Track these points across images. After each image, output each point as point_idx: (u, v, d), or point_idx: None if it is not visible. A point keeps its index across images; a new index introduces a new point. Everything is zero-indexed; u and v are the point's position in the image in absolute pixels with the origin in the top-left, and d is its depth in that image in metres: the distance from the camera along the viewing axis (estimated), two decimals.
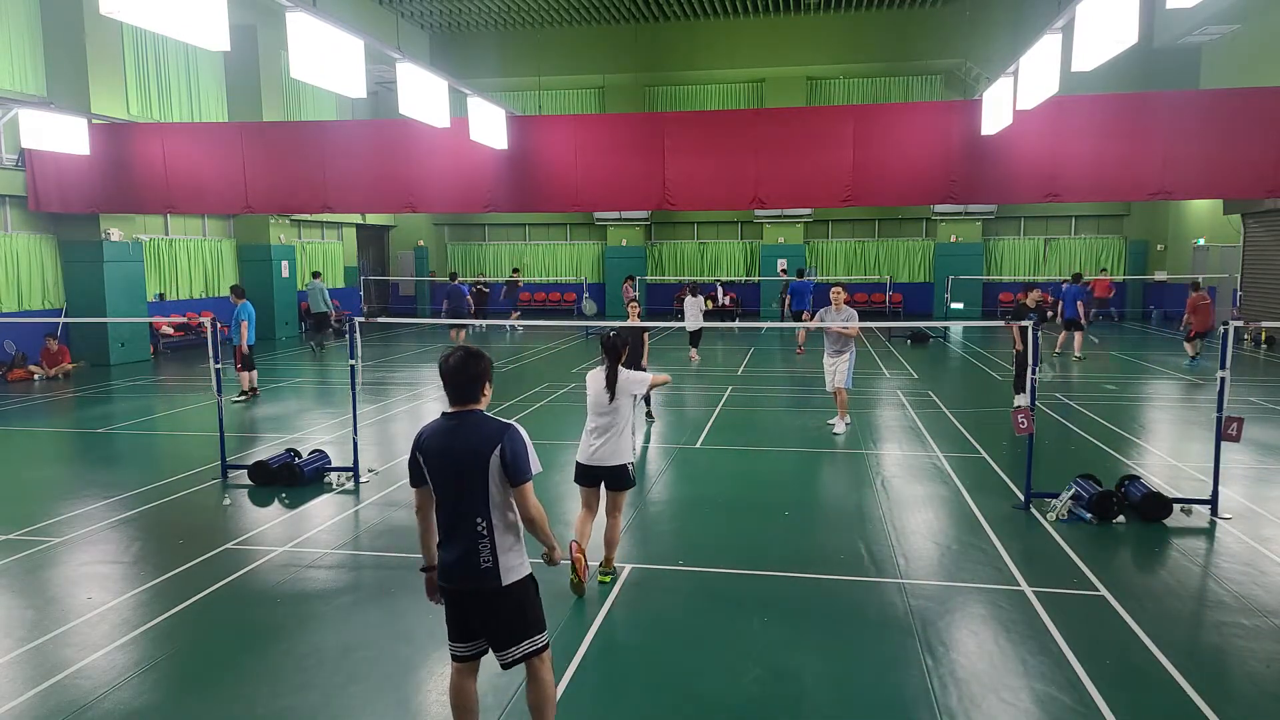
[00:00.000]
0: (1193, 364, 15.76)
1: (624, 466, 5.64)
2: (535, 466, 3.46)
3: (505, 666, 3.53)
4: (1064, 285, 18.02)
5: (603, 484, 5.70)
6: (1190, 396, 12.94)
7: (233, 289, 13.64)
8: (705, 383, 14.35)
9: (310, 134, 16.47)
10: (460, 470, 3.39)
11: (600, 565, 5.83)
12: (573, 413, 11.91)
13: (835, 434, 10.32)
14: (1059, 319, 17.46)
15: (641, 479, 8.51)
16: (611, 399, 5.60)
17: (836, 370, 10.34)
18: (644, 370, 10.34)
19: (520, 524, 3.51)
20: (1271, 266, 20.04)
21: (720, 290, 28.21)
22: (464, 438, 3.41)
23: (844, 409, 10.50)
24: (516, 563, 3.46)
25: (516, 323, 22.91)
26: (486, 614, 3.47)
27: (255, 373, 13.31)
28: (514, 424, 3.46)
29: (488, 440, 3.38)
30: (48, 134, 14.34)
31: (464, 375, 3.46)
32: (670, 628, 5.19)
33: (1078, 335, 17.08)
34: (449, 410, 3.51)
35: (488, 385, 3.55)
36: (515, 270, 27.71)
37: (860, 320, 10.33)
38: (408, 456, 3.57)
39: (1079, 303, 17.04)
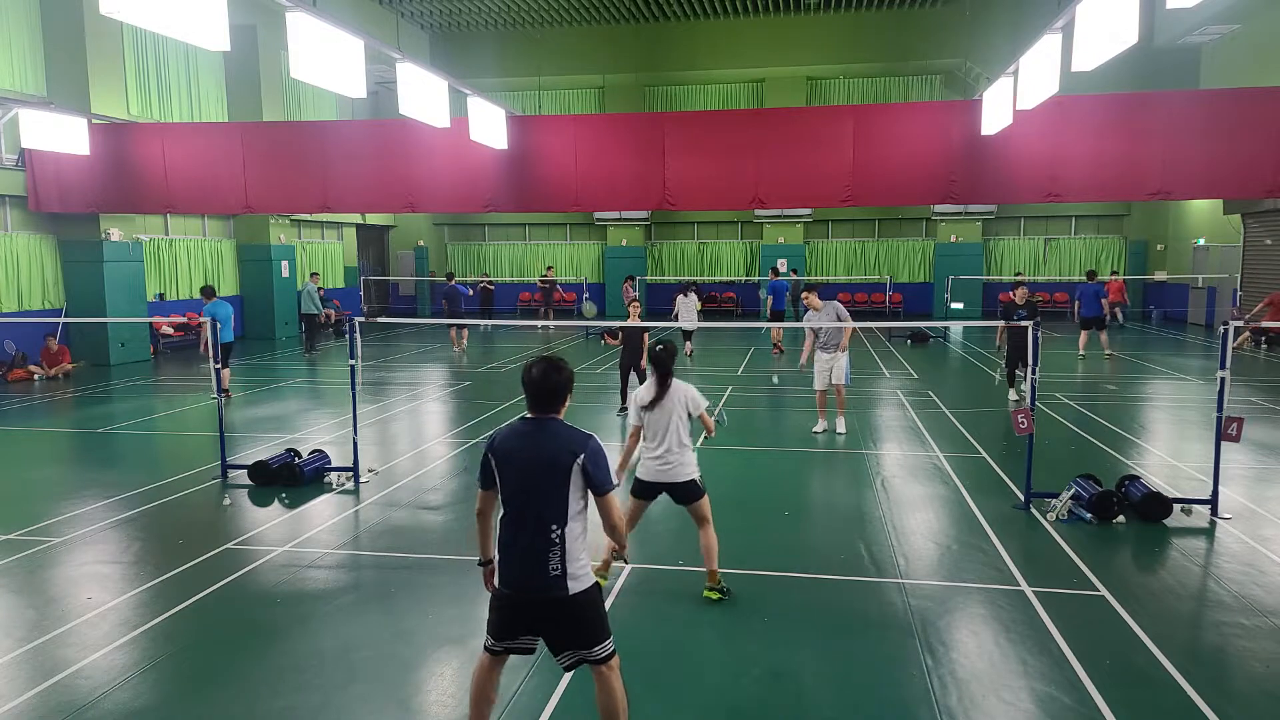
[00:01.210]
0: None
1: (692, 481, 5.49)
2: (615, 479, 3.52)
3: (567, 668, 3.57)
4: (1080, 284, 17.97)
5: (669, 497, 5.56)
6: (1190, 396, 12.93)
7: (202, 290, 13.56)
8: (705, 383, 14.35)
9: (310, 134, 16.48)
10: (538, 476, 3.39)
11: (706, 581, 5.60)
12: (572, 412, 11.89)
13: (839, 434, 10.25)
14: (1075, 318, 17.42)
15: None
16: (660, 412, 5.46)
17: (834, 367, 10.16)
18: (644, 369, 10.39)
19: (586, 533, 3.51)
20: (1271, 266, 20.05)
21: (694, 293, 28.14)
22: (544, 444, 3.42)
23: (843, 407, 10.43)
24: (583, 571, 3.45)
25: (550, 323, 22.88)
26: (551, 620, 3.46)
27: (227, 372, 13.16)
28: (594, 435, 3.48)
29: (570, 449, 3.38)
30: (48, 134, 14.35)
31: (546, 385, 3.49)
32: (670, 628, 5.19)
33: (1103, 333, 17.15)
34: (528, 415, 3.54)
35: (568, 396, 3.58)
36: (549, 268, 27.87)
37: (861, 320, 10.36)
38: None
39: (1103, 300, 17.03)
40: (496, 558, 3.54)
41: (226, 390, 13.09)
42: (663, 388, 5.54)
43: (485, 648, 3.64)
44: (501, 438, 3.52)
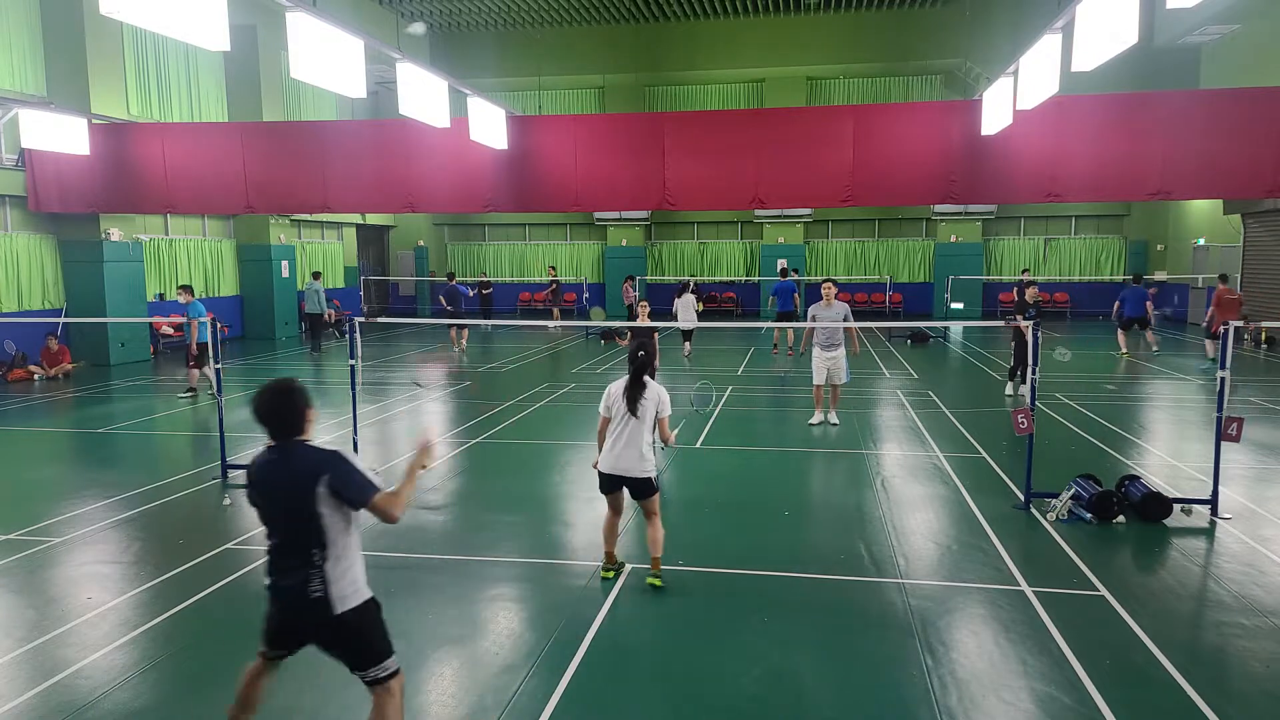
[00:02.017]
0: (1212, 366, 15.22)
1: (648, 479, 5.62)
2: (376, 481, 3.39)
3: (369, 684, 3.48)
4: (1126, 285, 18.12)
5: (627, 491, 5.71)
6: (1190, 396, 12.93)
7: (181, 288, 13.60)
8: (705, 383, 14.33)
9: (310, 134, 16.47)
10: (288, 503, 3.33)
11: (651, 569, 5.72)
12: (572, 412, 11.91)
13: (832, 424, 10.70)
14: (1117, 318, 17.54)
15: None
16: (634, 414, 5.55)
17: (835, 366, 10.59)
18: (656, 370, 10.31)
19: (355, 550, 3.45)
20: (1271, 266, 20.04)
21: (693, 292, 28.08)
22: (287, 474, 3.34)
23: (836, 402, 10.93)
24: (350, 590, 3.37)
25: (557, 323, 22.83)
26: (322, 641, 3.44)
27: (197, 372, 13.20)
28: (337, 449, 3.40)
29: (314, 471, 3.30)
30: (48, 134, 14.35)
31: (278, 413, 3.38)
32: (670, 628, 5.19)
33: (1147, 332, 17.37)
34: (271, 444, 3.43)
35: (309, 412, 3.46)
36: (552, 268, 27.86)
37: (861, 320, 10.43)
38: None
39: (1147, 302, 17.18)
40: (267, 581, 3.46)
41: (194, 389, 13.12)
42: (638, 388, 5.59)
43: (259, 652, 3.59)
44: (254, 469, 3.45)
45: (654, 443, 5.67)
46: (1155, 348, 17.45)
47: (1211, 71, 21.60)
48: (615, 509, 5.84)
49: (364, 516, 3.44)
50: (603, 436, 5.73)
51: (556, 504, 7.53)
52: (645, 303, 10.93)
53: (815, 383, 10.81)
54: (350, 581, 3.38)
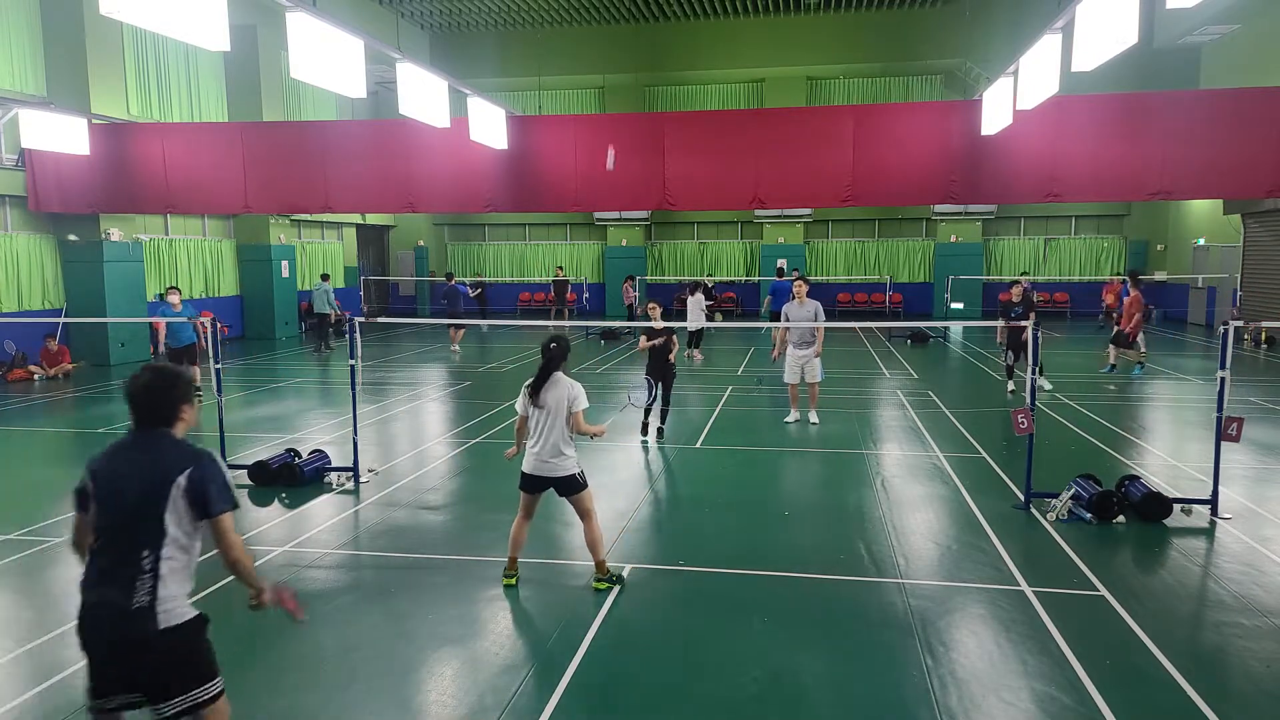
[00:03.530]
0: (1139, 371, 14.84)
1: (570, 477, 5.50)
2: (233, 499, 3.08)
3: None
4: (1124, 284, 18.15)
5: (555, 492, 5.58)
6: (1190, 396, 12.93)
7: (171, 289, 13.41)
8: (705, 383, 14.35)
9: (310, 134, 16.48)
10: (133, 497, 2.97)
11: (594, 573, 5.71)
12: None
13: (812, 424, 10.79)
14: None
15: (642, 479, 8.52)
16: (538, 406, 5.44)
17: (807, 365, 10.75)
18: (672, 367, 10.10)
19: (192, 565, 3.10)
20: (1271, 266, 20.04)
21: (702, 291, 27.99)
22: (144, 462, 3.02)
23: (815, 401, 11.04)
24: (178, 606, 3.01)
25: (565, 323, 22.89)
26: (137, 665, 2.95)
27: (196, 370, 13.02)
28: (208, 450, 3.09)
29: (172, 466, 2.97)
30: (48, 134, 14.35)
31: (155, 394, 3.08)
32: (670, 628, 5.19)
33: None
34: (131, 431, 3.12)
35: (186, 408, 3.14)
36: (559, 268, 27.91)
37: (861, 320, 10.45)
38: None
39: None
40: (80, 597, 3.00)
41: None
42: (542, 381, 5.46)
43: (87, 708, 3.06)
44: (101, 455, 3.11)
45: (572, 439, 5.52)
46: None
47: (1211, 71, 21.60)
48: (527, 512, 5.68)
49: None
50: (520, 434, 5.66)
51: (556, 504, 7.51)
52: (656, 305, 10.60)
53: (788, 381, 10.93)
54: (179, 599, 3.03)
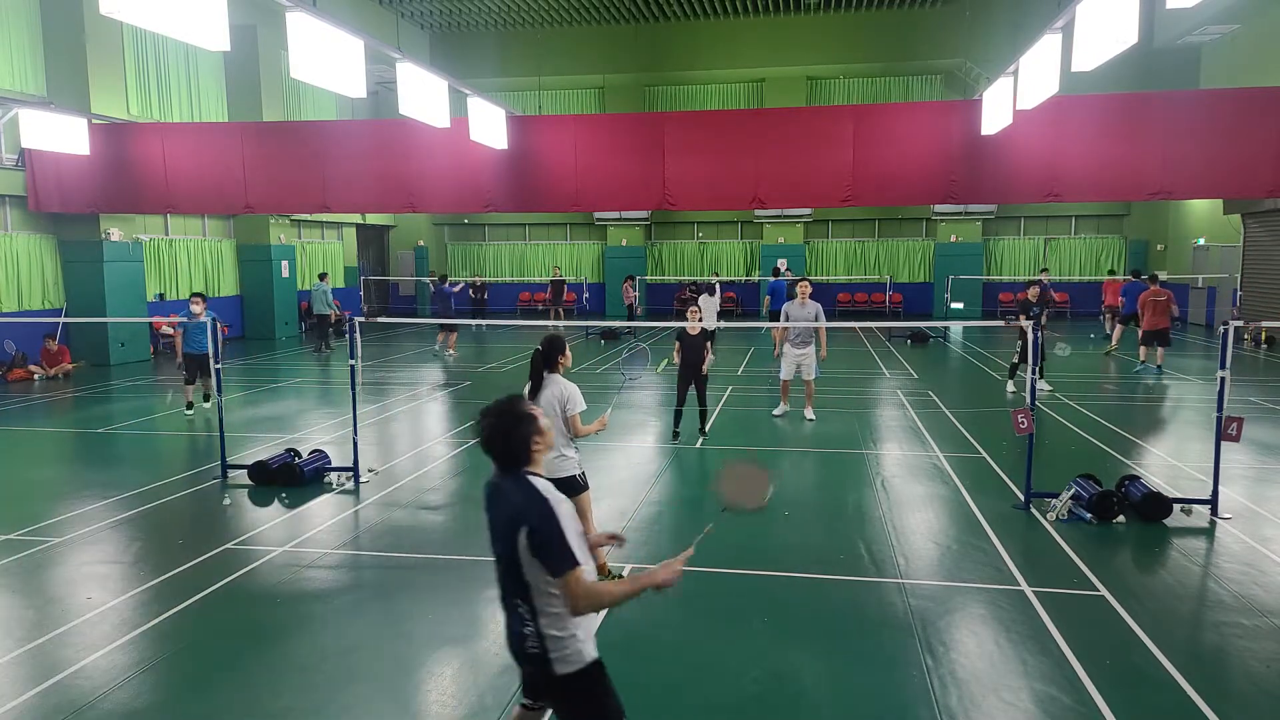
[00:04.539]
0: (1150, 370, 14.94)
1: (571, 478, 5.45)
2: (579, 555, 2.80)
3: None
4: (1127, 282, 18.41)
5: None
6: (1190, 396, 12.93)
7: (196, 294, 13.04)
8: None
9: (310, 134, 16.47)
10: (498, 544, 2.93)
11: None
12: None
13: (808, 419, 10.93)
14: (1112, 314, 17.99)
15: (643, 479, 8.52)
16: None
17: (803, 363, 10.94)
18: (705, 379, 9.91)
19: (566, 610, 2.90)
20: (1271, 266, 20.04)
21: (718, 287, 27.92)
22: (502, 508, 2.94)
23: (811, 398, 11.16)
24: (572, 652, 2.88)
25: (559, 323, 22.83)
26: (548, 696, 3.06)
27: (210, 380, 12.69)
28: (548, 498, 2.85)
29: (516, 516, 2.85)
30: (48, 134, 14.35)
31: (496, 437, 2.95)
32: (670, 627, 5.19)
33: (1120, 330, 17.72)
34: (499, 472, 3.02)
35: (537, 439, 2.98)
36: (557, 268, 27.90)
37: (861, 320, 10.50)
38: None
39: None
40: None
41: (192, 401, 12.65)
42: (536, 382, 5.43)
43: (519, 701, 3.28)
44: (487, 485, 3.08)
45: (573, 440, 5.49)
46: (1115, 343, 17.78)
47: (1211, 71, 21.60)
48: None
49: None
50: None
51: None
52: (697, 309, 10.28)
53: (783, 377, 11.17)
54: (571, 642, 2.90)
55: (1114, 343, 17.69)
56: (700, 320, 9.96)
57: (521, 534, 2.80)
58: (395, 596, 5.65)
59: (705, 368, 9.87)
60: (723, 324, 21.01)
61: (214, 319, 9.54)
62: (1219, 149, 13.07)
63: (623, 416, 11.22)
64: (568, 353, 5.52)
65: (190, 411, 11.98)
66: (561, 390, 5.40)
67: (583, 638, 2.93)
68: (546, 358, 5.44)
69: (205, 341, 12.26)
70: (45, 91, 16.49)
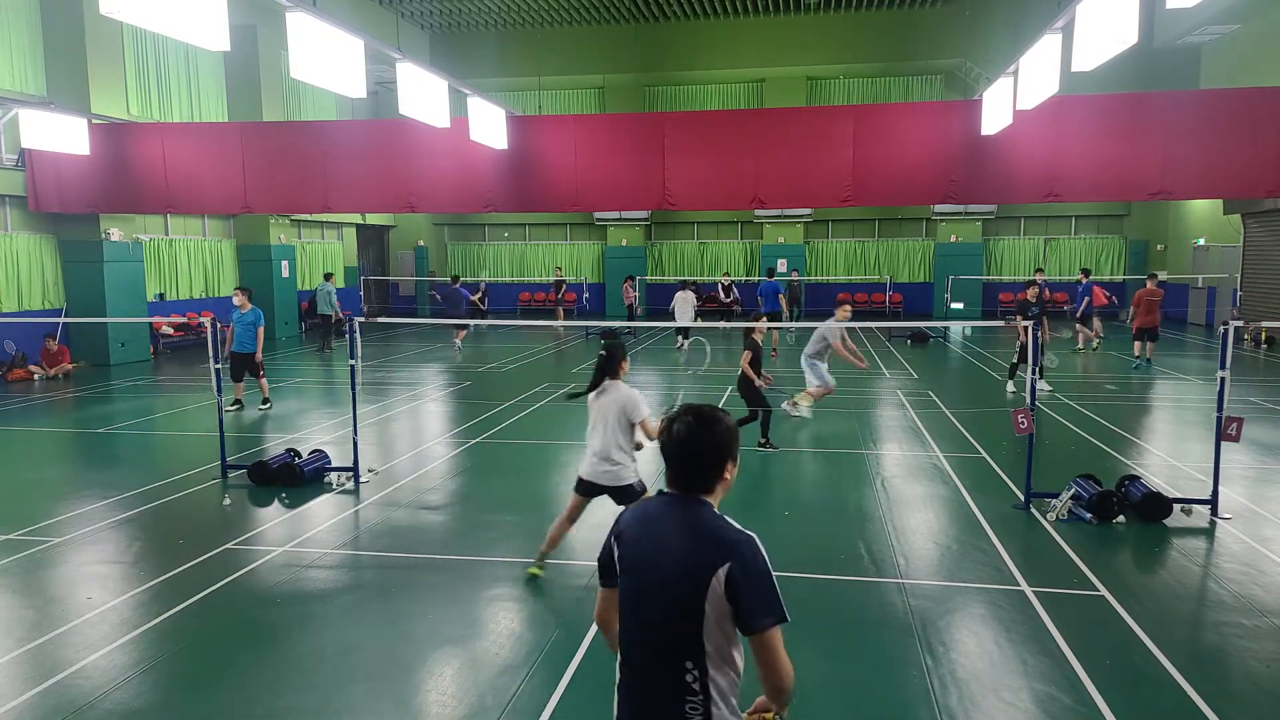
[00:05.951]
0: (1143, 366, 15.48)
1: (628, 486, 5.53)
2: (781, 610, 2.25)
3: None
4: (1080, 283, 18.78)
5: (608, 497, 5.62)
6: (1190, 396, 12.93)
7: (240, 289, 12.57)
8: (703, 383, 14.34)
9: (310, 134, 16.47)
10: (666, 585, 2.29)
11: None
12: (572, 412, 11.89)
13: (792, 415, 11.12)
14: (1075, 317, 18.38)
15: (643, 479, 8.50)
16: (598, 409, 5.48)
17: (807, 374, 11.22)
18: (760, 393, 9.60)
19: (738, 684, 2.36)
20: (1271, 266, 20.04)
21: (722, 289, 27.83)
22: (679, 539, 2.31)
23: (808, 397, 11.24)
24: None
25: (561, 324, 22.83)
26: None
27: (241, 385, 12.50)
28: (752, 533, 2.31)
29: (710, 551, 2.25)
30: (48, 134, 14.34)
31: (691, 449, 2.37)
32: None
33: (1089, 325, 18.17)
34: (666, 490, 2.45)
35: (730, 466, 2.45)
36: (558, 269, 27.91)
37: (861, 320, 10.52)
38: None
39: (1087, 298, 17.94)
40: (615, 698, 2.51)
41: (240, 401, 12.36)
42: (594, 386, 5.51)
43: None
44: (628, 518, 2.48)
45: (625, 447, 5.51)
46: (1095, 342, 18.25)
47: (1211, 71, 21.60)
48: (571, 515, 5.70)
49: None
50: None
51: (556, 504, 7.50)
52: (763, 315, 10.29)
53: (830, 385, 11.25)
54: None
55: (1080, 343, 18.28)
56: (764, 321, 10.00)
57: (719, 575, 2.21)
58: (395, 596, 5.65)
59: (761, 383, 9.55)
60: (700, 323, 21.07)
61: (214, 318, 9.51)
62: (1219, 149, 13.07)
63: None
64: (627, 360, 5.62)
65: (234, 408, 11.93)
66: (622, 398, 5.44)
67: None
68: (609, 363, 5.51)
69: (250, 341, 12.16)
70: (45, 91, 16.49)
